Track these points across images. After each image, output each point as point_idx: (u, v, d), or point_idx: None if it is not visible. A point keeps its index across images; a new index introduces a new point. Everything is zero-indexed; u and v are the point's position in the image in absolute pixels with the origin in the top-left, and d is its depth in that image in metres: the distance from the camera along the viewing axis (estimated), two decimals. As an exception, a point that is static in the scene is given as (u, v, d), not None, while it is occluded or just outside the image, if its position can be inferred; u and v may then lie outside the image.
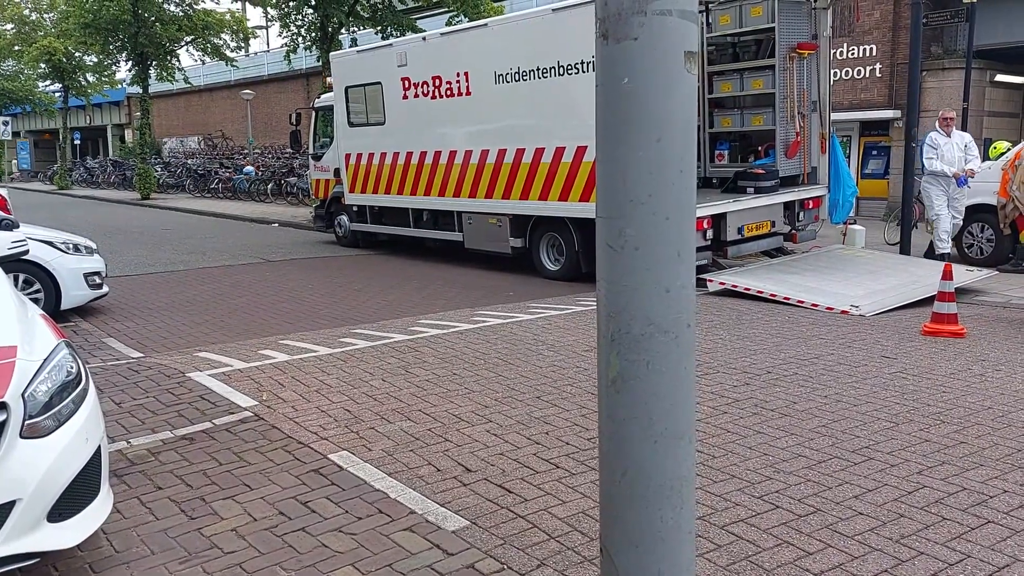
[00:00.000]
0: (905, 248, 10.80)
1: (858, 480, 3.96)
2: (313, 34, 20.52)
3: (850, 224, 11.34)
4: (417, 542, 3.39)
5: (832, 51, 18.13)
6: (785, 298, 8.40)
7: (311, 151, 15.41)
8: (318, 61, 22.91)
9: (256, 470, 4.18)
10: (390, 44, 13.15)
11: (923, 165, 10.67)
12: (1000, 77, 17.63)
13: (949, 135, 10.50)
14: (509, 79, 10.43)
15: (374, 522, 3.58)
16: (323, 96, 15.18)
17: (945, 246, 10.59)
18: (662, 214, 1.82)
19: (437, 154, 11.68)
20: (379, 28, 20.23)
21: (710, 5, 10.47)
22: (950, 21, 16.65)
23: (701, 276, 9.28)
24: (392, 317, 8.23)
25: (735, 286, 8.83)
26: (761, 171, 10.05)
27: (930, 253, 10.60)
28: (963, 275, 8.85)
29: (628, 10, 1.76)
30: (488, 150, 10.92)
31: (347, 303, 9.28)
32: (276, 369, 6.11)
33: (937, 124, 10.78)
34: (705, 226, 9.20)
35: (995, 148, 11.23)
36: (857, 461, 4.19)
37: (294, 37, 20.96)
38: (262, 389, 5.58)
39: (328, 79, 14.52)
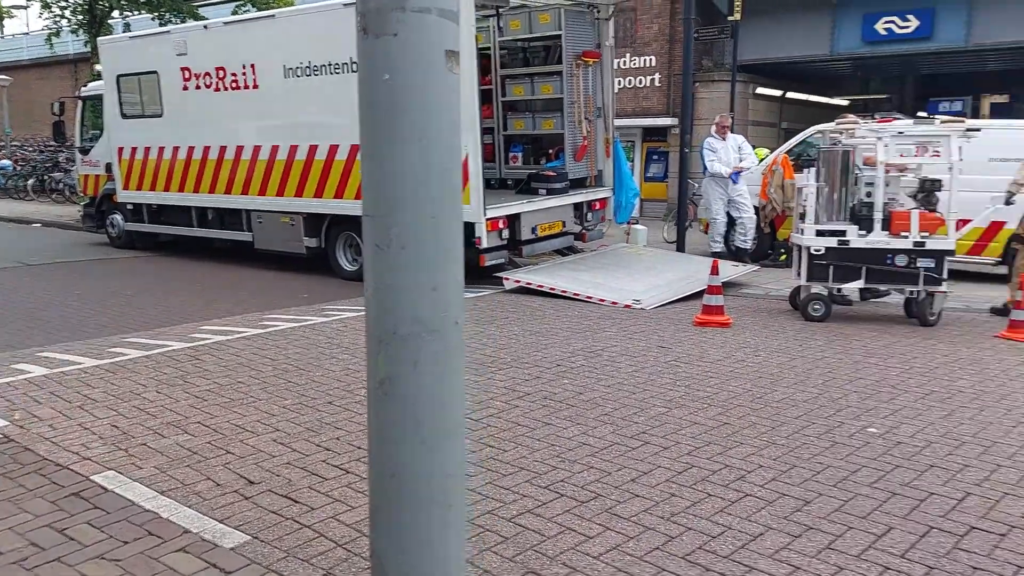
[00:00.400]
0: (681, 246, 11.64)
1: (635, 464, 4.19)
2: (80, 16, 18.77)
3: (633, 224, 12.04)
4: (191, 563, 3.17)
5: (616, 60, 19.24)
6: (575, 294, 8.78)
7: (78, 144, 14.07)
8: (86, 46, 20.98)
9: (3, 498, 3.74)
10: (168, 31, 12.31)
11: (705, 168, 11.55)
12: (760, 90, 19.50)
13: (725, 138, 11.42)
14: (300, 73, 10.10)
15: (142, 545, 3.31)
16: (91, 84, 13.91)
17: (718, 246, 11.50)
18: (427, 212, 1.80)
19: (223, 149, 11.07)
20: (156, 14, 18.87)
21: (500, 9, 10.71)
22: (718, 37, 18.18)
23: (498, 274, 9.48)
24: (170, 324, 7.68)
25: (529, 283, 9.10)
26: (552, 173, 10.42)
27: (736, 254, 11.35)
28: (729, 270, 9.68)
29: (387, 6, 1.73)
30: (279, 146, 10.51)
31: (119, 310, 8.56)
32: (32, 385, 5.50)
33: (713, 129, 11.68)
34: (501, 226, 9.39)
35: (756, 154, 12.39)
36: (635, 446, 4.45)
37: (57, 19, 19.05)
38: (14, 408, 5.00)
39: (97, 66, 13.33)
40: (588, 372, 5.91)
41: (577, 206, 10.74)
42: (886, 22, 16.65)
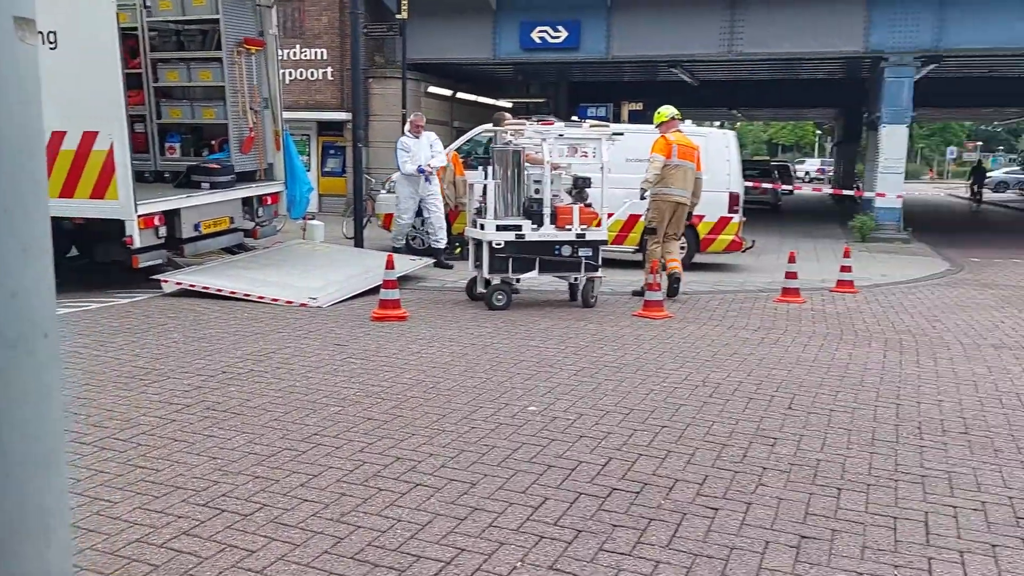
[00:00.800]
0: (359, 241, 11.61)
1: (305, 468, 4.05)
2: None
3: (309, 220, 11.77)
4: None
5: (284, 51, 18.68)
6: (245, 294, 8.33)
7: None
8: None
9: None
10: None
11: (399, 167, 11.49)
12: (432, 88, 20.14)
13: (418, 137, 11.37)
14: None
15: None
16: None
17: (399, 243, 11.51)
18: None
19: None
20: None
21: (141, -15, 9.79)
22: (388, 34, 18.41)
23: (155, 276, 8.68)
24: None
25: (193, 285, 8.46)
26: (216, 166, 9.79)
27: (433, 254, 11.28)
28: (406, 264, 9.84)
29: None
30: None
31: None
32: None
33: (407, 128, 11.57)
34: (157, 223, 8.60)
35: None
36: (305, 449, 4.30)
37: None
38: None
39: None
40: (258, 377, 5.62)
41: (246, 201, 10.21)
42: (540, 31, 18.08)
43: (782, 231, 18.70)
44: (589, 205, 8.57)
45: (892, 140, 17.04)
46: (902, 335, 7.53)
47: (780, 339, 7.24)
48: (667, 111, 9.57)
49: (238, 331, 7.02)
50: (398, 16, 16.92)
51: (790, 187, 26.89)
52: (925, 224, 20.67)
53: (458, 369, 5.91)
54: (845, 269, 10.27)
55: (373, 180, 14.26)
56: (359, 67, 11.52)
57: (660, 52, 18.28)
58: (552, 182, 8.35)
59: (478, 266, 8.46)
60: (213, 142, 10.48)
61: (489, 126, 9.96)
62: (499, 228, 8.10)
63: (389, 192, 12.76)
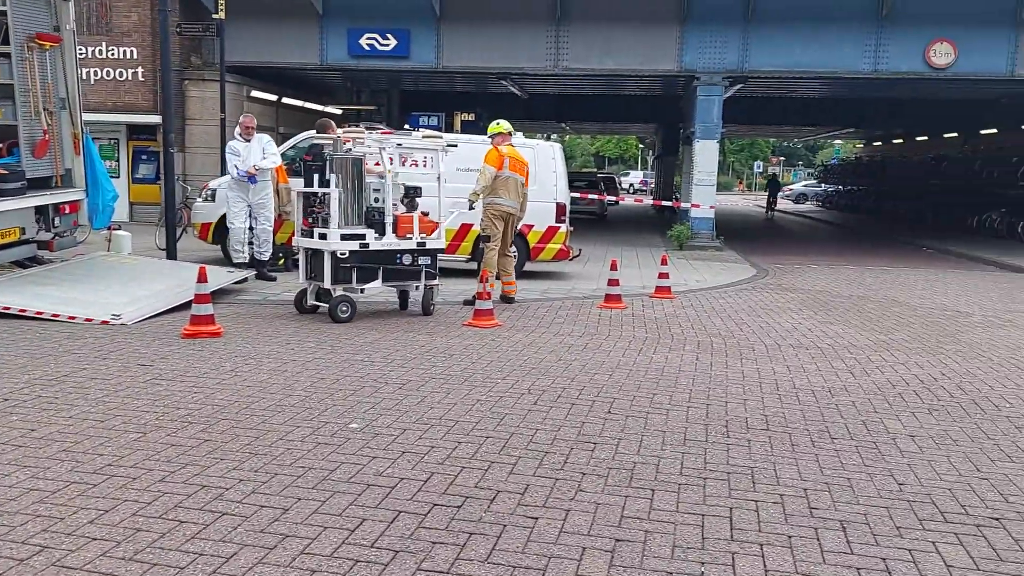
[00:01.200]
0: (172, 253, 10.88)
1: (96, 503, 3.67)
2: None
3: (115, 230, 10.90)
4: None
5: (89, 48, 17.35)
6: (38, 312, 7.56)
7: None
8: None
9: None
10: None
11: (229, 172, 10.78)
12: (256, 93, 19.32)
13: (249, 140, 10.72)
14: None
15: None
16: None
17: (241, 256, 10.80)
18: None
19: None
20: None
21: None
22: (204, 34, 17.48)
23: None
24: None
25: (-27, 304, 7.57)
26: (4, 171, 8.84)
27: (256, 266, 10.70)
28: (222, 276, 9.31)
29: None
30: None
31: None
32: None
33: (238, 131, 10.88)
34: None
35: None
36: (97, 482, 3.90)
37: None
38: None
39: None
40: (46, 405, 5.08)
41: (40, 209, 9.29)
42: (369, 38, 17.80)
43: (608, 240, 19.44)
44: (427, 214, 8.56)
45: (705, 154, 18.16)
46: (713, 338, 7.96)
47: (603, 344, 7.46)
48: (502, 124, 9.77)
49: (27, 353, 6.34)
50: (215, 16, 16.09)
51: (615, 198, 28.07)
52: (735, 233, 22.20)
53: (276, 387, 5.62)
54: (663, 276, 10.80)
55: (189, 188, 13.43)
56: (169, 67, 10.81)
57: (489, 64, 18.51)
58: (391, 191, 8.28)
59: (312, 277, 8.18)
60: (1, 145, 9.47)
61: (308, 133, 9.66)
62: (343, 237, 7.88)
63: (206, 200, 12.06)
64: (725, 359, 7.03)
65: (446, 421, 5.00)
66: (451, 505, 3.77)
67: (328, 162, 7.98)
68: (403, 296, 8.80)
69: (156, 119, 17.60)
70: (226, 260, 11.45)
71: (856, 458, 4.57)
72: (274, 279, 10.47)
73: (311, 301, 8.34)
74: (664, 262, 11.31)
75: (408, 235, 8.24)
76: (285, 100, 20.73)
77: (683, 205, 19.76)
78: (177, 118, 16.99)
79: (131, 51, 17.88)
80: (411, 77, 22.11)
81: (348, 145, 8.18)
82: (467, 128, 23.15)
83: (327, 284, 7.98)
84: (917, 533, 3.62)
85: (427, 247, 8.36)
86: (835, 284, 12.86)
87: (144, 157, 18.81)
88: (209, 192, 12.17)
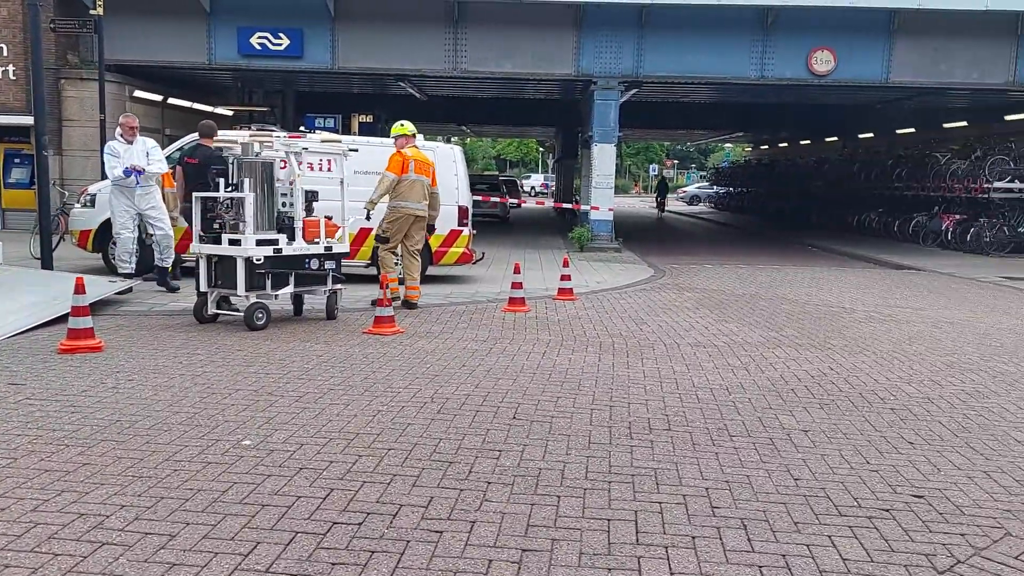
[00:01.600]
0: (48, 262, 10.20)
1: (-45, 541, 3.34)
2: None
3: (-17, 238, 10.13)
4: None
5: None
6: None
7: None
8: None
9: None
10: None
11: (106, 175, 10.12)
12: (139, 93, 18.42)
13: (131, 142, 10.08)
14: None
15: None
16: None
17: (128, 267, 10.14)
18: None
19: None
20: None
21: None
22: (82, 31, 16.54)
23: None
24: None
25: None
26: None
27: (158, 275, 10.13)
28: (102, 286, 8.79)
29: None
30: None
31: None
32: None
33: (119, 132, 10.21)
34: None
35: None
36: (-43, 517, 3.56)
37: None
38: None
39: None
40: (-101, 430, 4.62)
41: None
42: (260, 37, 17.25)
43: (510, 243, 19.48)
44: (330, 218, 8.48)
45: (603, 158, 18.45)
46: (615, 338, 8.04)
47: (507, 348, 7.41)
48: (406, 126, 9.68)
49: None
50: (93, 12, 15.23)
51: (517, 201, 28.21)
52: (633, 234, 22.67)
53: (161, 404, 5.30)
54: (565, 278, 10.87)
55: (66, 193, 12.65)
56: (40, 65, 10.13)
57: (387, 65, 18.25)
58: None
59: (218, 285, 7.95)
60: None
61: (193, 136, 9.26)
62: (258, 243, 7.73)
63: (85, 206, 11.37)
64: (627, 359, 7.10)
65: (346, 434, 4.83)
66: (352, 523, 3.62)
67: (237, 166, 7.82)
68: (298, 301, 8.58)
69: (30, 120, 16.57)
70: (109, 270, 10.83)
71: (754, 455, 4.67)
72: (177, 288, 9.94)
73: (212, 310, 8.07)
74: (566, 264, 11.40)
75: (316, 239, 8.17)
76: (171, 100, 19.85)
77: (583, 207, 20.03)
78: (53, 119, 16.02)
79: (1, 49, 16.72)
80: (306, 78, 21.59)
81: (258, 148, 8.02)
82: (365, 130, 22.78)
83: (241, 292, 7.76)
84: (814, 528, 3.70)
85: (334, 251, 8.35)
86: (728, 283, 13.27)
87: (17, 161, 17.64)
88: (89, 197, 11.48)
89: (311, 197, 8.38)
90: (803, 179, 31.51)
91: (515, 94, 26.45)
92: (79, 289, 6.86)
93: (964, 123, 23.25)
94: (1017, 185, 19.25)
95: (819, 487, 4.20)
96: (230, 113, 22.70)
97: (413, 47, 17.82)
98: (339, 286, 8.57)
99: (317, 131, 18.84)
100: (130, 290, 9.62)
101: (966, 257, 18.57)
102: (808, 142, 35.48)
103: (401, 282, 9.49)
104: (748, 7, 17.04)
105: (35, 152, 10.53)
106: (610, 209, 18.57)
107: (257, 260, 7.72)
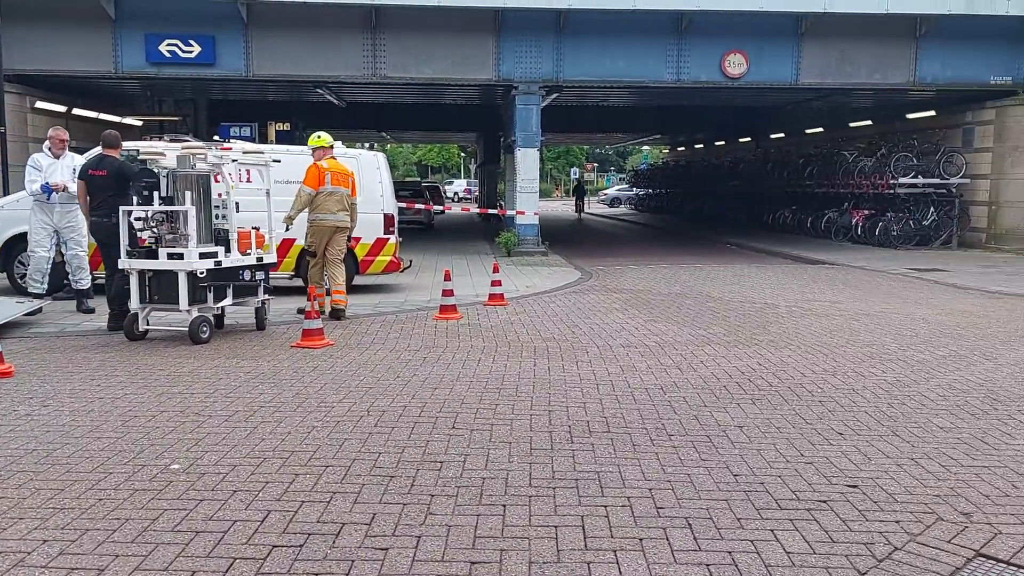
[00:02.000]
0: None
1: None
2: None
3: None
4: None
5: None
6: None
7: None
8: None
9: None
10: None
11: (27, 188, 9.55)
12: (41, 104, 17.58)
13: (59, 157, 9.56)
14: None
15: None
16: None
17: (40, 287, 9.61)
18: None
19: None
20: None
21: None
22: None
23: None
24: None
25: None
26: None
27: (76, 298, 9.62)
28: (10, 308, 8.34)
29: None
30: None
31: None
32: None
33: (46, 145, 9.69)
34: None
35: None
36: None
37: None
38: None
39: None
40: None
41: None
42: (169, 45, 16.67)
43: (437, 249, 19.36)
44: (258, 229, 8.47)
45: (526, 162, 18.52)
46: (548, 342, 8.06)
47: (441, 357, 7.33)
48: (324, 138, 9.59)
49: None
50: (-11, 21, 14.48)
51: (442, 207, 28.07)
52: (559, 237, 22.84)
53: (81, 430, 5.03)
54: (495, 283, 10.85)
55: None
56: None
57: (304, 72, 17.92)
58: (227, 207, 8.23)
59: (153, 300, 7.87)
60: None
61: (100, 149, 8.88)
62: (202, 256, 7.74)
63: None
64: (562, 363, 7.11)
65: (280, 452, 4.67)
66: (292, 545, 3.49)
67: (172, 179, 7.81)
68: (219, 316, 8.37)
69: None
70: (14, 289, 10.29)
71: (693, 453, 4.72)
72: (93, 310, 9.43)
73: (143, 326, 7.96)
74: (496, 270, 11.37)
75: (248, 251, 8.21)
76: (76, 111, 19.00)
77: (508, 212, 20.06)
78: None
79: None
80: (219, 86, 21.00)
81: (193, 161, 7.94)
82: (283, 138, 22.26)
83: (184, 306, 7.69)
84: (756, 523, 3.76)
85: (264, 262, 8.45)
86: (654, 283, 13.48)
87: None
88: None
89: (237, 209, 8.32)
90: (719, 179, 32.36)
91: (435, 99, 26.36)
92: (-16, 312, 6.48)
93: (869, 122, 24.26)
94: (920, 180, 20.17)
95: (758, 482, 4.27)
96: (139, 123, 21.90)
97: (331, 53, 17.54)
98: (268, 297, 8.62)
99: (232, 140, 18.35)
100: (40, 311, 9.14)
101: (875, 251, 19.36)
102: (723, 143, 36.47)
103: (327, 292, 9.31)
104: (663, 12, 17.38)
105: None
106: (535, 213, 18.66)
107: (201, 273, 7.67)
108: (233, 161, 8.31)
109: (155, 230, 7.73)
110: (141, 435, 4.95)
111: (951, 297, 11.80)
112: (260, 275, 8.36)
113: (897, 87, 18.99)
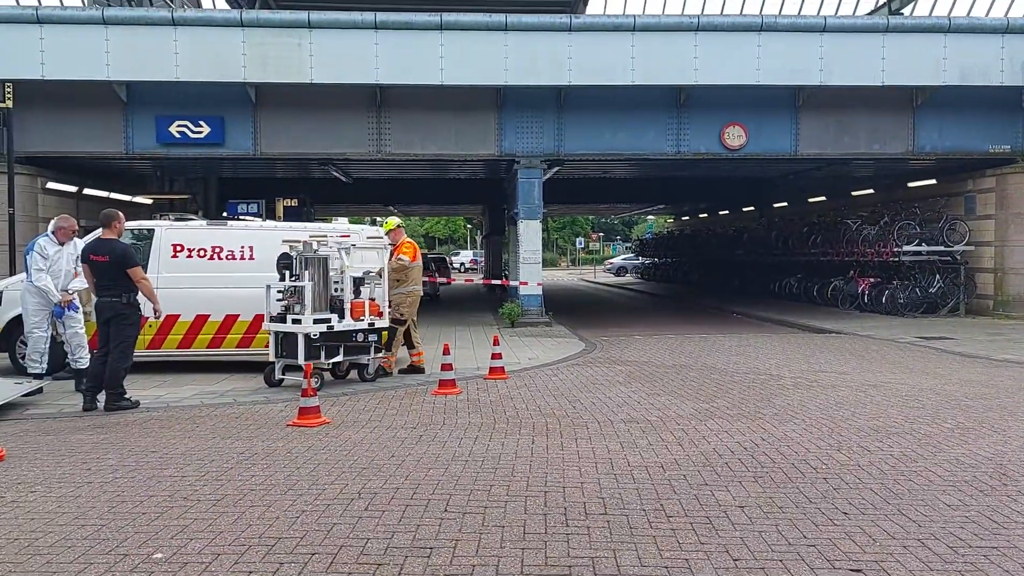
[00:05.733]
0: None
1: None
2: None
3: None
4: None
5: None
6: None
7: None
8: None
9: None
10: None
11: (29, 275, 9.57)
12: (52, 184, 17.90)
13: (63, 243, 9.63)
14: None
15: None
16: None
17: (38, 367, 9.60)
18: None
19: None
20: None
21: None
22: (-10, 124, 16.08)
23: None
24: None
25: None
26: None
27: (75, 377, 9.58)
28: (7, 389, 8.31)
29: None
30: None
31: None
32: None
33: (51, 228, 9.76)
34: None
35: None
36: None
37: None
38: None
39: None
40: None
41: None
42: (180, 126, 17.06)
43: (441, 319, 19.33)
44: (373, 300, 10.04)
45: (529, 233, 18.64)
46: (547, 418, 7.93)
47: (438, 435, 7.21)
48: (395, 220, 11.46)
49: None
50: (1, 105, 14.86)
51: (447, 279, 28.19)
52: (563, 307, 22.81)
53: (66, 518, 4.92)
54: (496, 356, 10.78)
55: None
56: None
57: (311, 150, 18.25)
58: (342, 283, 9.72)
59: (283, 355, 9.49)
60: None
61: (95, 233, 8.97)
62: (315, 321, 9.25)
63: None
64: (560, 440, 6.98)
65: (266, 540, 4.55)
66: (271, 642, 3.36)
67: (299, 261, 9.39)
68: (337, 367, 10.09)
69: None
70: (16, 370, 10.27)
71: (692, 536, 4.58)
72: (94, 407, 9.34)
73: (279, 375, 9.66)
74: (496, 342, 11.31)
75: (361, 317, 9.68)
76: (87, 191, 19.32)
77: (512, 283, 20.10)
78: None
79: (-98, 140, 16.09)
80: (228, 164, 21.38)
81: (315, 246, 9.48)
82: (290, 215, 22.55)
83: (301, 360, 9.15)
84: (755, 612, 3.60)
85: (376, 326, 9.90)
86: (658, 354, 13.37)
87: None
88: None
89: (358, 283, 9.78)
90: (725, 248, 32.45)
91: (441, 174, 26.72)
92: (-24, 395, 6.45)
93: (871, 190, 24.41)
94: (924, 248, 20.17)
95: (759, 567, 4.12)
96: (149, 202, 22.23)
97: (337, 132, 17.89)
98: (380, 355, 10.25)
99: (240, 217, 18.57)
100: (40, 391, 9.10)
101: (882, 319, 19.23)
102: (727, 212, 36.71)
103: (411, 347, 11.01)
104: (661, 87, 17.71)
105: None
106: (539, 284, 18.68)
107: (314, 336, 9.19)
108: (353, 245, 9.75)
109: (287, 301, 9.41)
110: (126, 522, 4.84)
111: (958, 366, 11.64)
112: (373, 337, 9.84)
113: (896, 157, 19.16)
